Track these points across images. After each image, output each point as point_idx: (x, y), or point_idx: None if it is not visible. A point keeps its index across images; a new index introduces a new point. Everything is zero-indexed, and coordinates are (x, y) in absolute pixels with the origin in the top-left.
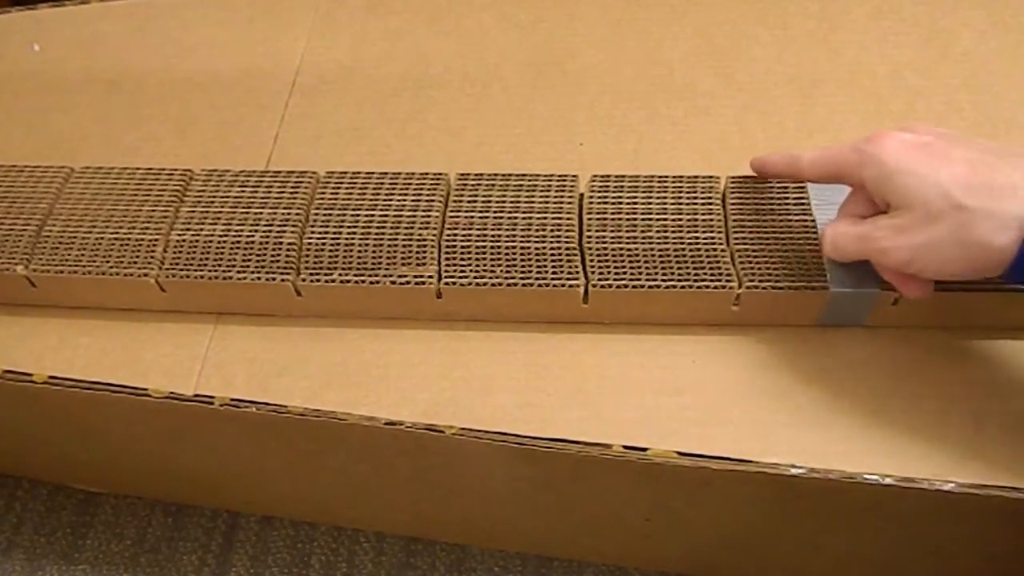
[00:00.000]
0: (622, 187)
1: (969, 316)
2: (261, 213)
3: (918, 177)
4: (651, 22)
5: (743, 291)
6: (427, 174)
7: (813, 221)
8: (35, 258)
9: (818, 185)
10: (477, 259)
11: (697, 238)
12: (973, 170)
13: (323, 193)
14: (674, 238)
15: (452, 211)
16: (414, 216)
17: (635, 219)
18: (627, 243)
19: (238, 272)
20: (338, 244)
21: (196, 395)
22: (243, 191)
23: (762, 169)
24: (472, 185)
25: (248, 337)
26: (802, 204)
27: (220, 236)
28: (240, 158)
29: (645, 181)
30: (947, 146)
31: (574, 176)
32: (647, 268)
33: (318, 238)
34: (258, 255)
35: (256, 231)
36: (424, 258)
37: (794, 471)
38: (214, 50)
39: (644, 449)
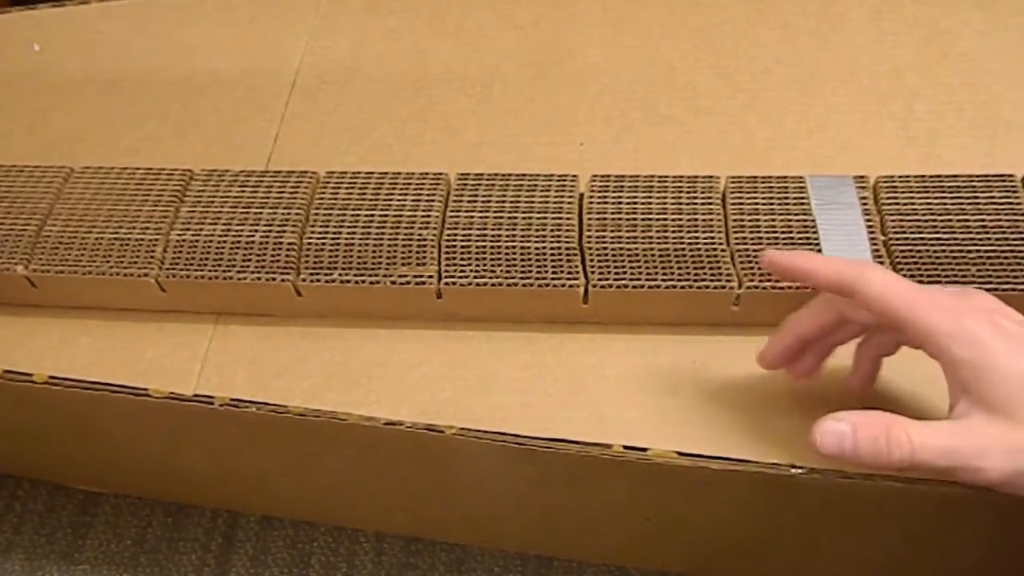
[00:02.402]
0: (622, 187)
1: None
2: (261, 213)
3: None
4: (651, 22)
5: (743, 291)
6: (427, 174)
7: (813, 221)
8: (35, 258)
9: (818, 185)
10: (477, 259)
11: (697, 238)
12: None
13: (323, 193)
14: (674, 238)
15: (452, 211)
16: (414, 216)
17: (635, 219)
18: (627, 243)
19: (238, 272)
20: (338, 244)
21: (196, 395)
22: (243, 191)
23: (790, 270)
24: (472, 185)
25: (248, 337)
26: (802, 204)
27: (220, 236)
28: (240, 158)
29: (645, 181)
30: None
31: (574, 176)
32: (647, 268)
33: (318, 238)
34: (258, 255)
35: (256, 231)
36: (424, 258)
37: (794, 471)
38: (214, 50)
39: (644, 449)
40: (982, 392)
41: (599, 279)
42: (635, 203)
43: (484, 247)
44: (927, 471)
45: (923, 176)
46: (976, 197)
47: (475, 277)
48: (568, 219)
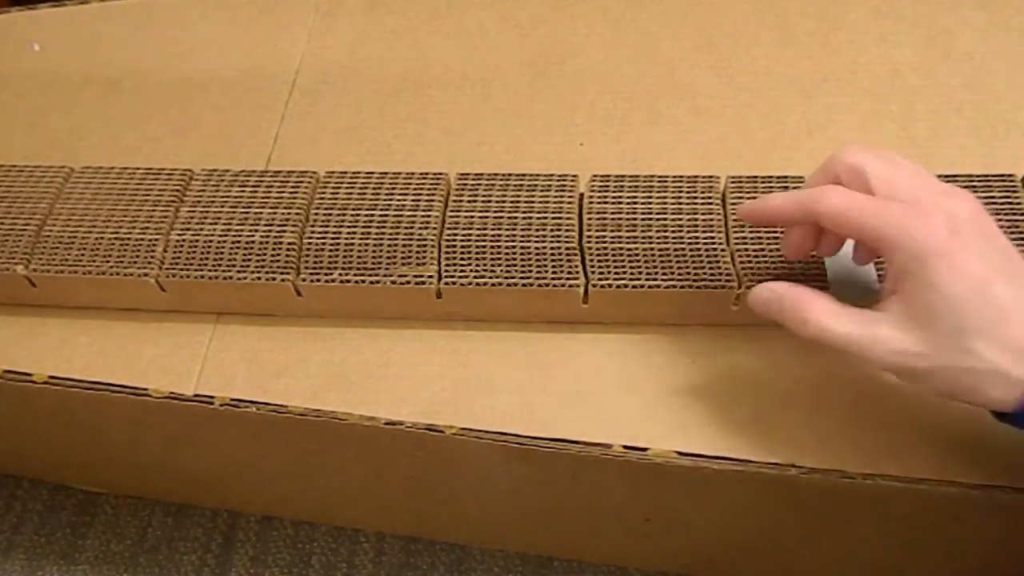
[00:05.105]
0: (622, 187)
1: None
2: (261, 213)
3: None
4: (651, 22)
5: (743, 291)
6: (427, 174)
7: None
8: (35, 258)
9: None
10: (477, 259)
11: (697, 238)
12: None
13: (323, 193)
14: (674, 238)
15: (452, 211)
16: (414, 216)
17: (635, 219)
18: (627, 243)
19: (238, 272)
20: (338, 244)
21: (196, 395)
22: (243, 191)
23: (762, 215)
24: (472, 185)
25: (248, 337)
26: None
27: (220, 236)
28: (240, 158)
29: (645, 181)
30: (990, 263)
31: (574, 176)
32: (647, 268)
33: (318, 238)
34: (258, 255)
35: (256, 231)
36: (424, 258)
37: (794, 471)
38: (214, 50)
39: (644, 449)
40: (912, 301)
41: (599, 279)
42: (635, 203)
43: (484, 247)
44: (832, 348)
45: None
46: (976, 197)
47: (475, 277)
48: (568, 219)
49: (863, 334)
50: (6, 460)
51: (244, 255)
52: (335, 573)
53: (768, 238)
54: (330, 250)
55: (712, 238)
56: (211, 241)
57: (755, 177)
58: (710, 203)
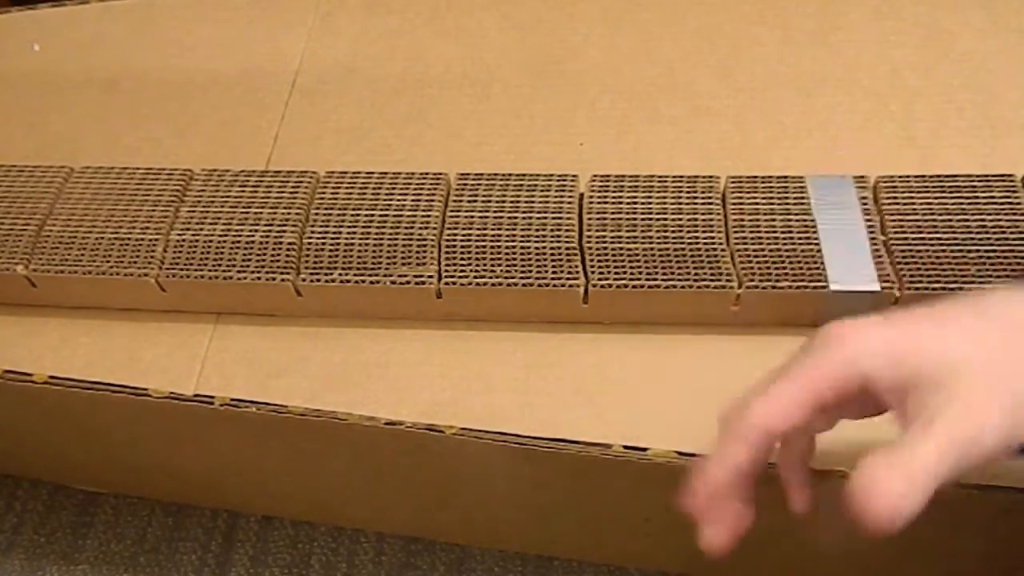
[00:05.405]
0: (622, 187)
1: None
2: (261, 213)
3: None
4: (651, 22)
5: (743, 291)
6: (427, 174)
7: (813, 221)
8: (35, 258)
9: (818, 185)
10: (477, 259)
11: (697, 238)
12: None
13: (323, 193)
14: (674, 238)
15: (452, 211)
16: (414, 216)
17: (635, 219)
18: (627, 243)
19: (238, 272)
20: (338, 244)
21: (196, 395)
22: (243, 191)
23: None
24: (472, 185)
25: (248, 337)
26: (802, 204)
27: (220, 236)
28: (240, 158)
29: (645, 181)
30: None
31: (574, 176)
32: (647, 268)
33: (318, 238)
34: (258, 255)
35: (256, 231)
36: (424, 258)
37: None
38: (214, 50)
39: (644, 449)
40: (921, 376)
41: (599, 279)
42: (635, 203)
43: (484, 247)
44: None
45: (923, 176)
46: (976, 197)
47: (475, 277)
48: (568, 219)
49: (951, 429)
50: (6, 460)
51: (244, 255)
52: (335, 573)
53: (768, 238)
54: (330, 250)
55: (712, 238)
56: (211, 241)
57: (755, 177)
58: (710, 203)
